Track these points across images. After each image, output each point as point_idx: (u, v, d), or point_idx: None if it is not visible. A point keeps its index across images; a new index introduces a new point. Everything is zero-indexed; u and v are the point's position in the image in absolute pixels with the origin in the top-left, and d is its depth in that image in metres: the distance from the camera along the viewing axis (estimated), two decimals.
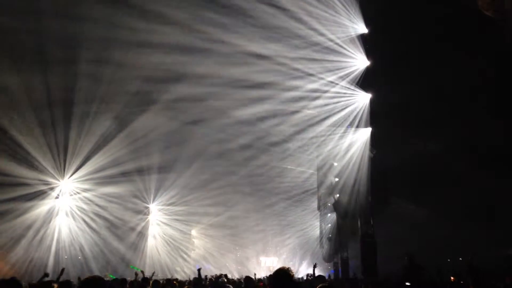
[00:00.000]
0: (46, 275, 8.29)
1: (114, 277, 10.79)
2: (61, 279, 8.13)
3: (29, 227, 20.28)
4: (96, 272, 20.93)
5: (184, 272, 27.64)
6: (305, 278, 13.96)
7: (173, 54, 16.10)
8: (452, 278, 13.89)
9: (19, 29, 14.28)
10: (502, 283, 11.46)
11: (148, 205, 27.41)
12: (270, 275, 3.44)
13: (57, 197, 21.81)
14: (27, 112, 18.03)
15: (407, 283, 11.32)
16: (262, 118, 20.35)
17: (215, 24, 15.44)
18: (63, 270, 9.06)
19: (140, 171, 23.83)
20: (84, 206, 23.02)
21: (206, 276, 13.06)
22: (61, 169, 20.94)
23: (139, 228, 27.07)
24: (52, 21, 14.34)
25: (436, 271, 10.96)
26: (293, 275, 3.29)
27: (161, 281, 9.11)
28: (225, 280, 10.36)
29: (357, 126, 18.19)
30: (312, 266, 8.84)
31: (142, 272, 9.79)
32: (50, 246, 21.53)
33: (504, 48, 13.26)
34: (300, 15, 15.73)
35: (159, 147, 22.43)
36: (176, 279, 12.28)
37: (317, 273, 10.69)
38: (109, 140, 20.50)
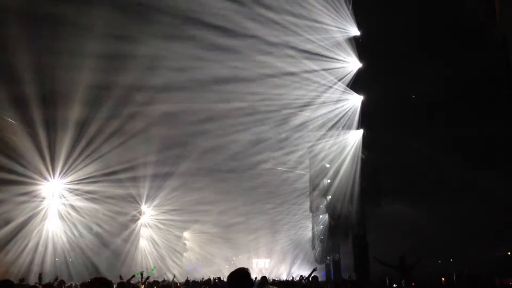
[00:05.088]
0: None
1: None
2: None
3: (17, 229, 19.95)
4: (89, 274, 20.69)
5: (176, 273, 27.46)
6: (297, 279, 13.93)
7: None
8: (443, 279, 14.00)
9: None
10: (492, 284, 11.56)
11: (140, 207, 27.19)
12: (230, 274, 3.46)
13: (43, 199, 21.46)
14: (15, 110, 17.77)
15: (395, 285, 11.36)
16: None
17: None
18: (56, 278, 9.02)
19: (133, 172, 23.61)
20: (74, 207, 22.73)
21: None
22: (50, 169, 20.63)
23: (131, 230, 26.84)
24: None
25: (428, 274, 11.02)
26: (250, 274, 3.38)
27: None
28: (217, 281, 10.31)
29: (349, 128, 18.25)
30: (306, 268, 8.82)
31: (142, 274, 9.73)
32: (39, 248, 21.21)
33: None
34: (291, 17, 15.77)
35: (153, 147, 22.32)
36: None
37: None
38: (102, 140, 20.27)
